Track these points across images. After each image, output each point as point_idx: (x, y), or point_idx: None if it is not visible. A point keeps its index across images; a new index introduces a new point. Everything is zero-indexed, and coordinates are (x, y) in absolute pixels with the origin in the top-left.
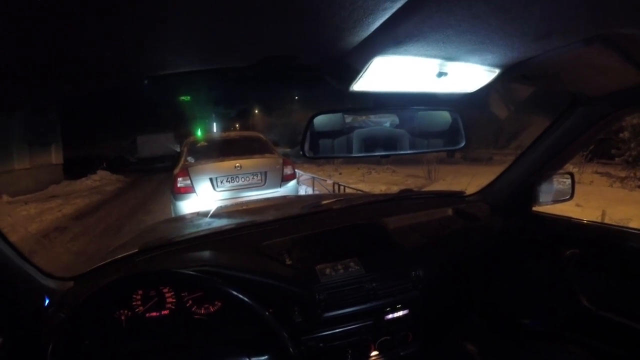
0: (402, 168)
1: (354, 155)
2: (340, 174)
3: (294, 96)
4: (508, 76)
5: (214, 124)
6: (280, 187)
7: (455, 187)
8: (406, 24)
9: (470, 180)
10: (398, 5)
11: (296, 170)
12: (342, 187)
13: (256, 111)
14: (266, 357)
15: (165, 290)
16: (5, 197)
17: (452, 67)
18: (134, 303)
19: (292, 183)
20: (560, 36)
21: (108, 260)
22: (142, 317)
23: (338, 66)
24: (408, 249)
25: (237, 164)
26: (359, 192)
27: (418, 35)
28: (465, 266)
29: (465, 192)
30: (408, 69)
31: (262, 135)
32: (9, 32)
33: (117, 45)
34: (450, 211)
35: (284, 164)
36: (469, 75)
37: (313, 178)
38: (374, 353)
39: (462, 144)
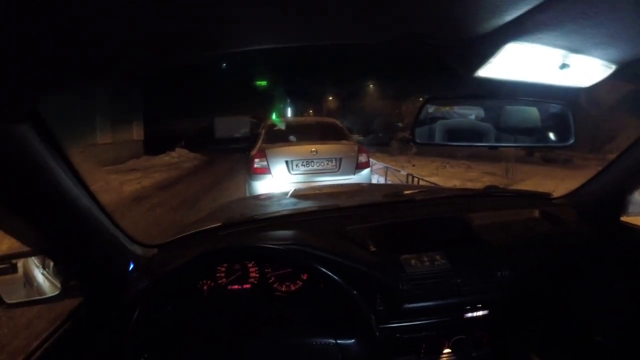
0: (478, 164)
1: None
2: (413, 165)
3: (369, 84)
4: (621, 73)
5: (289, 108)
6: (354, 174)
7: (540, 190)
8: (549, 11)
9: (558, 184)
10: None
11: (370, 159)
12: (416, 180)
13: (330, 98)
14: (353, 340)
15: (250, 264)
16: None
17: (574, 59)
18: (218, 275)
19: (366, 171)
20: None
21: (192, 232)
22: (224, 289)
23: (468, 49)
24: (494, 247)
25: (313, 149)
26: (432, 185)
27: (556, 24)
28: (548, 272)
29: (552, 194)
30: (535, 58)
31: (338, 121)
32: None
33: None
34: (536, 213)
35: (359, 151)
36: (588, 69)
37: (386, 168)
38: (447, 351)
39: (571, 141)
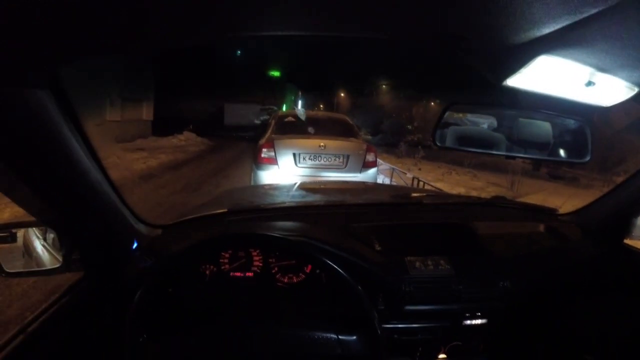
0: (484, 174)
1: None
2: (419, 169)
3: (382, 84)
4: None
5: (300, 101)
6: (360, 172)
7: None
8: (585, 29)
9: (564, 201)
10: (593, 11)
11: (377, 158)
12: (421, 183)
13: (342, 94)
14: (354, 337)
15: (255, 253)
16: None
17: (600, 77)
18: (221, 260)
19: (372, 170)
20: None
21: (197, 215)
22: (226, 275)
23: (501, 57)
24: (498, 257)
25: (322, 144)
26: (438, 190)
27: (589, 41)
28: (549, 287)
29: (558, 210)
30: (563, 72)
31: (348, 118)
32: None
33: None
34: (542, 227)
35: (367, 150)
36: (611, 89)
37: (392, 169)
38: (442, 356)
39: (587, 158)
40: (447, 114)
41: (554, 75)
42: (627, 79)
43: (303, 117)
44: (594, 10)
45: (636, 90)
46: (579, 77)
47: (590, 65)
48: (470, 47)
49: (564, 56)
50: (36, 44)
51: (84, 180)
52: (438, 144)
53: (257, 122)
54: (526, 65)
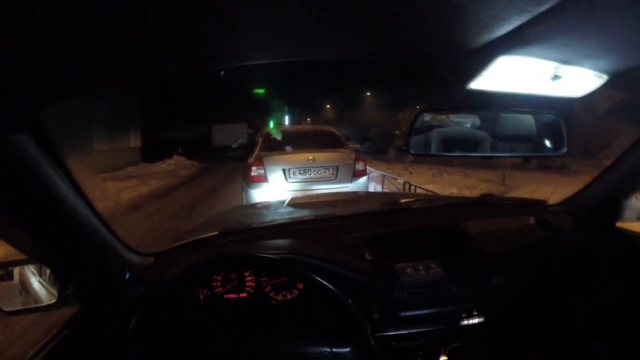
0: (475, 171)
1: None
2: (410, 173)
3: (366, 92)
4: (613, 82)
5: (286, 116)
6: (351, 182)
7: (536, 197)
8: (539, 26)
9: (554, 190)
10: (542, 8)
11: (367, 167)
12: (412, 187)
13: (327, 106)
14: (348, 349)
15: (247, 274)
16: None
17: (566, 70)
18: (214, 284)
19: (363, 179)
20: None
21: (189, 240)
22: (220, 298)
23: (460, 63)
24: (489, 255)
25: (310, 157)
26: (429, 193)
27: (546, 37)
28: (543, 279)
29: (547, 202)
30: (526, 70)
31: (335, 130)
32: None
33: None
34: (532, 220)
35: (356, 159)
36: (580, 80)
37: (383, 176)
38: (443, 358)
39: (564, 150)
40: (429, 117)
41: (517, 74)
42: (594, 68)
43: (279, 137)
44: (542, 8)
45: (605, 77)
46: (543, 72)
47: (553, 59)
48: (430, 57)
49: (523, 54)
50: (11, 90)
51: (71, 217)
52: (412, 151)
53: (234, 146)
54: (487, 68)
